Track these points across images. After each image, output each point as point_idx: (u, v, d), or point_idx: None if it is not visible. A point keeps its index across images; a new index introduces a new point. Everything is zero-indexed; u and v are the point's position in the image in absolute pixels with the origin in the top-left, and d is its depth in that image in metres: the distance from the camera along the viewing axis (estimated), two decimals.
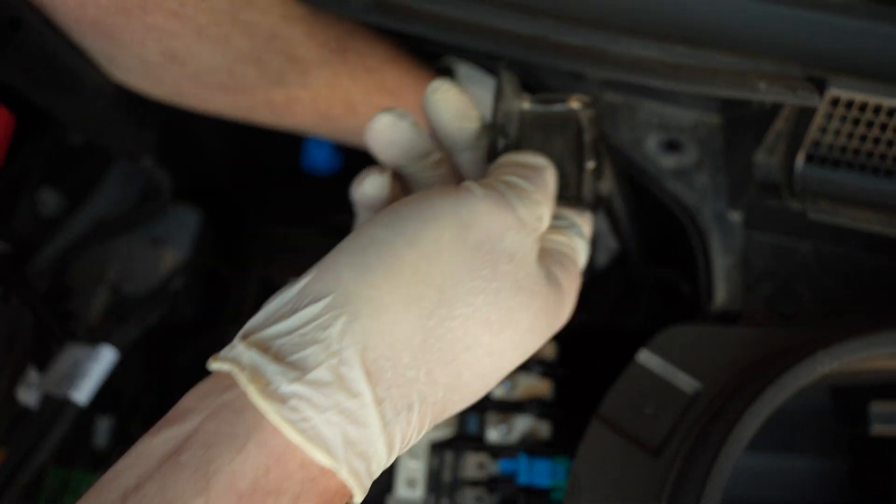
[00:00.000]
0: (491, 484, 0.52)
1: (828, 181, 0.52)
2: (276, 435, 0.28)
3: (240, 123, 0.59)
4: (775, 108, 0.51)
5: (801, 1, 0.54)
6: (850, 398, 0.62)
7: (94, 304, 0.65)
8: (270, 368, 0.28)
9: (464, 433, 0.53)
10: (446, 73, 0.59)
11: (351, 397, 0.28)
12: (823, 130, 0.50)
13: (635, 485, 0.45)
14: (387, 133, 0.38)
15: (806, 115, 0.49)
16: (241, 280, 0.69)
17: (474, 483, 0.52)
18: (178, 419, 0.29)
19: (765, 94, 0.47)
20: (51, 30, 0.50)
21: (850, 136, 0.50)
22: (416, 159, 0.40)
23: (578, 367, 0.56)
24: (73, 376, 0.56)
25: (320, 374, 0.28)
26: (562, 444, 0.53)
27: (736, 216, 0.55)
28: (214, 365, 0.30)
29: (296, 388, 0.28)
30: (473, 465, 0.52)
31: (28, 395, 0.58)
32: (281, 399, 0.28)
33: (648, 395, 0.47)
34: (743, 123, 0.55)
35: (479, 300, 0.31)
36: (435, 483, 0.51)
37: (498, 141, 0.40)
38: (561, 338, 0.56)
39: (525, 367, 0.54)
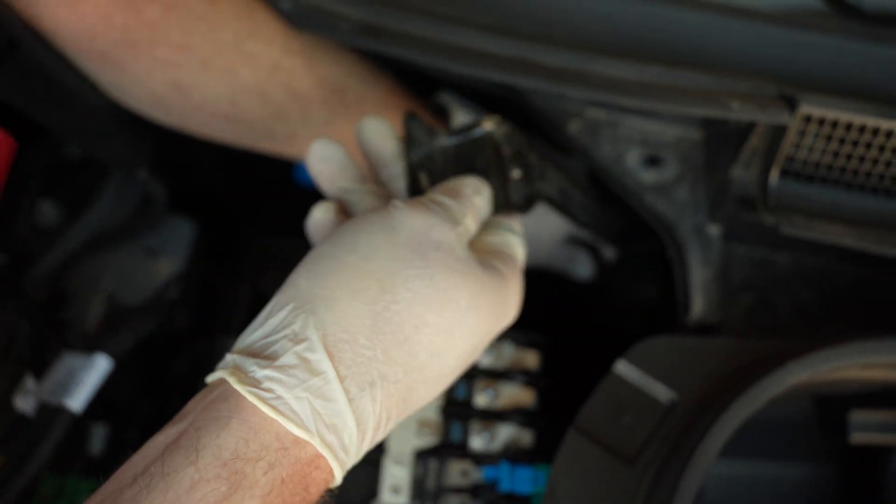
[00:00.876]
0: (474, 491, 0.53)
1: (802, 196, 0.53)
2: (254, 412, 0.32)
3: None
4: (751, 125, 0.52)
5: (776, 19, 0.56)
6: (831, 407, 0.63)
7: (91, 313, 0.67)
8: (248, 362, 0.34)
9: (448, 441, 0.54)
10: (441, 111, 0.61)
11: (315, 375, 0.33)
12: (797, 147, 0.52)
13: (611, 493, 0.46)
14: (319, 156, 0.45)
15: (779, 132, 0.50)
16: (234, 289, 0.70)
17: (458, 490, 0.53)
18: (179, 419, 0.34)
19: (737, 112, 0.49)
20: (47, 50, 0.52)
21: (824, 152, 0.52)
22: (351, 181, 0.45)
23: (563, 377, 0.57)
24: (68, 384, 0.57)
25: (288, 359, 0.34)
26: (544, 452, 0.55)
27: (715, 229, 0.56)
28: (210, 377, 0.35)
29: (268, 372, 0.33)
30: (457, 472, 0.53)
31: (25, 403, 0.60)
32: (255, 383, 0.33)
33: (625, 406, 0.48)
34: (722, 139, 0.56)
35: (416, 284, 0.36)
36: (419, 490, 0.52)
37: (420, 179, 0.46)
38: (545, 348, 0.58)
39: (508, 377, 0.56)
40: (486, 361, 0.56)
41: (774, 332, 0.54)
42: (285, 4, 0.52)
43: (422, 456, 0.53)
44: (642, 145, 0.59)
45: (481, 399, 0.55)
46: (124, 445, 0.64)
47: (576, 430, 0.47)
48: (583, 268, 0.66)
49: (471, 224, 0.41)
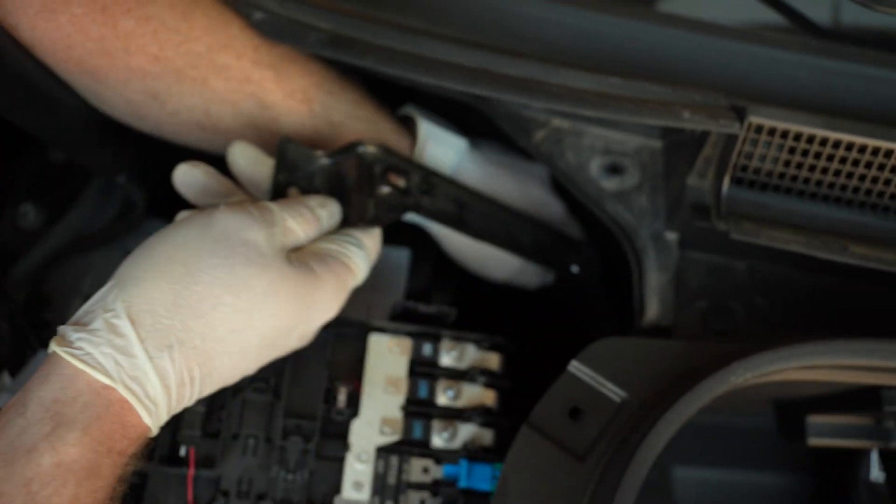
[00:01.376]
0: (434, 487, 0.54)
1: (755, 204, 0.55)
2: (68, 366, 0.40)
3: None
4: (706, 135, 0.54)
5: (733, 33, 0.58)
6: (790, 412, 0.65)
7: (70, 313, 0.68)
8: (68, 330, 0.42)
9: (409, 439, 0.55)
10: (408, 122, 0.63)
11: (119, 337, 0.41)
12: (750, 156, 0.54)
13: (561, 489, 0.47)
14: (182, 178, 0.52)
15: (730, 141, 0.52)
16: None
17: (418, 486, 0.54)
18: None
19: (688, 122, 0.51)
20: (28, 57, 0.54)
21: (776, 161, 0.54)
22: (216, 198, 0.52)
23: (524, 379, 0.58)
24: None
25: (97, 324, 0.41)
26: (504, 451, 0.56)
27: (672, 236, 0.58)
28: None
29: (80, 335, 0.41)
30: (418, 469, 0.55)
31: (1, 400, 0.61)
32: (69, 343, 0.41)
33: (577, 404, 0.50)
34: (679, 148, 0.58)
35: (217, 271, 0.43)
36: (381, 486, 0.54)
37: (290, 195, 0.54)
38: (507, 351, 0.59)
39: (470, 378, 0.57)
40: (449, 362, 0.58)
41: (728, 336, 0.56)
42: (257, 15, 0.54)
43: (383, 453, 0.55)
44: (605, 154, 0.61)
45: (443, 398, 0.56)
46: None
47: (529, 427, 0.49)
48: (538, 276, 0.68)
49: (297, 229, 0.48)
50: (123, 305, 0.41)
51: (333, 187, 0.55)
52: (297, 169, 0.54)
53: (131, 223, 0.70)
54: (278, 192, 0.54)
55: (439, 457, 0.55)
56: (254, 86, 0.56)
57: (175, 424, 0.53)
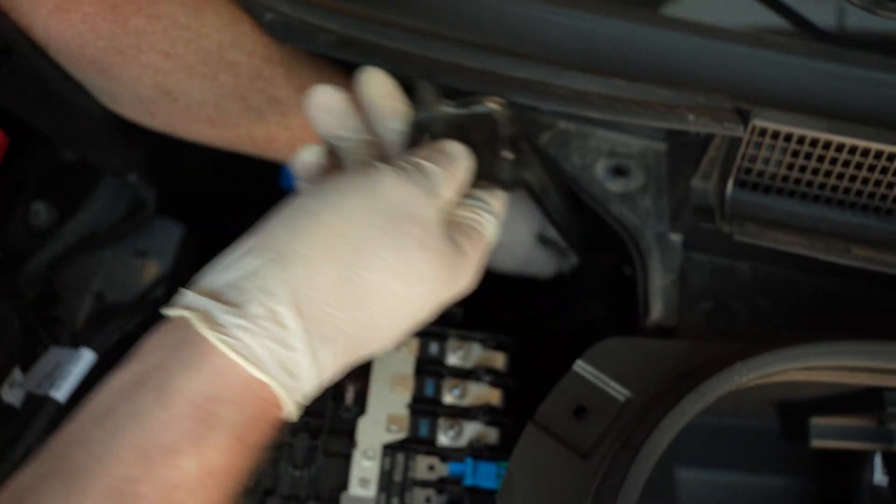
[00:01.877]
0: (440, 485, 0.55)
1: (759, 206, 0.55)
2: (222, 358, 0.34)
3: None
4: (710, 137, 0.55)
5: (738, 37, 0.58)
6: (793, 413, 0.65)
7: (80, 311, 0.69)
8: (217, 308, 0.35)
9: (415, 437, 0.56)
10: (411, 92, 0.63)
11: (281, 327, 0.35)
12: (753, 158, 0.54)
13: (565, 486, 0.48)
14: (323, 99, 0.45)
15: (734, 144, 0.53)
16: None
17: (424, 484, 0.55)
18: (140, 358, 0.35)
19: (692, 124, 0.51)
20: (42, 57, 0.55)
21: (779, 163, 0.54)
22: (348, 131, 0.46)
23: (528, 378, 0.59)
24: (54, 376, 0.59)
25: (256, 310, 0.35)
26: (509, 449, 0.56)
27: (676, 238, 0.59)
28: (171, 311, 0.36)
29: (236, 321, 0.35)
30: (424, 466, 0.55)
31: (12, 395, 0.62)
32: (223, 329, 0.35)
33: (582, 403, 0.50)
34: (684, 150, 0.59)
35: (389, 254, 0.38)
36: (387, 483, 0.54)
37: (422, 140, 0.47)
38: (512, 350, 0.60)
39: (475, 377, 0.58)
40: (455, 361, 0.58)
41: (732, 336, 0.56)
42: (267, 16, 0.55)
43: (390, 450, 0.55)
44: (610, 156, 0.62)
45: (449, 397, 0.57)
46: None
47: (534, 425, 0.49)
48: (548, 265, 0.68)
49: (450, 195, 0.42)
50: (287, 291, 0.36)
51: (456, 140, 0.48)
52: (425, 111, 0.48)
53: (141, 222, 0.71)
54: (415, 137, 0.47)
55: (445, 455, 0.55)
56: (263, 82, 0.57)
57: None
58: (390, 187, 0.40)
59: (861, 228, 0.55)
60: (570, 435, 0.49)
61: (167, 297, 0.70)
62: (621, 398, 0.50)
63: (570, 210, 0.63)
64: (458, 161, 0.44)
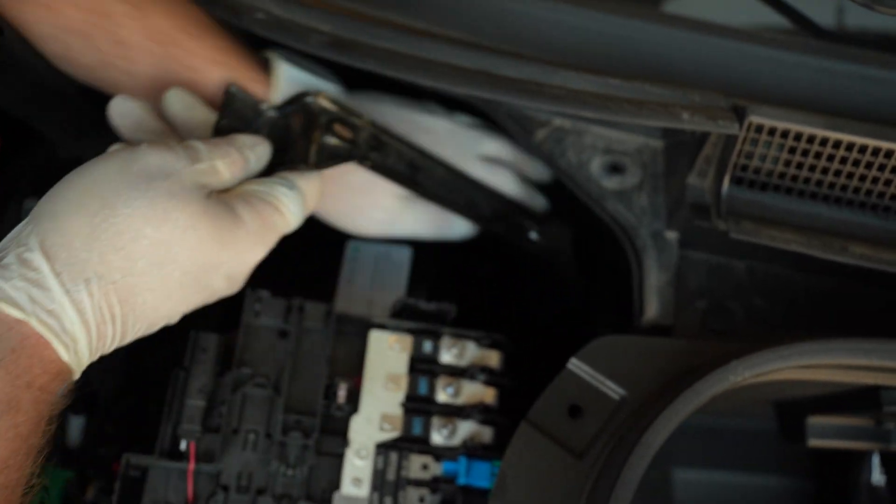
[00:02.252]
0: (433, 484, 0.54)
1: (755, 203, 0.55)
2: None
3: None
4: (706, 135, 0.54)
5: (734, 34, 0.58)
6: (791, 413, 0.65)
7: None
8: None
9: (409, 435, 0.55)
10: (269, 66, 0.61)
11: (31, 270, 0.40)
12: (750, 156, 0.54)
13: (559, 485, 0.47)
14: (118, 109, 0.52)
15: (730, 141, 0.52)
16: None
17: (418, 483, 0.54)
18: None
19: (688, 123, 0.51)
20: (33, 52, 0.54)
21: (776, 161, 0.54)
22: (149, 135, 0.52)
23: (523, 376, 0.59)
24: None
25: (9, 259, 0.40)
26: (503, 448, 0.56)
27: (672, 235, 0.58)
28: None
29: None
30: (417, 465, 0.55)
31: None
32: None
33: (576, 401, 0.50)
34: (680, 148, 0.58)
35: (136, 203, 0.43)
36: (380, 482, 0.54)
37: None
38: (507, 348, 0.59)
39: (470, 375, 0.57)
40: (449, 359, 0.58)
41: (727, 335, 0.56)
42: (257, 15, 0.55)
43: (383, 449, 0.55)
44: (606, 153, 0.61)
45: (443, 395, 0.57)
46: (103, 437, 0.66)
47: (527, 423, 0.49)
48: (432, 227, 0.67)
49: (223, 170, 0.48)
50: (37, 240, 0.41)
51: (279, 138, 0.55)
52: (242, 117, 0.55)
53: None
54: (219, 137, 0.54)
55: (438, 453, 0.55)
56: (109, 21, 0.54)
57: (176, 419, 0.54)
58: (147, 154, 0.45)
59: (858, 226, 0.54)
60: (563, 434, 0.49)
61: None
62: (616, 397, 0.50)
63: (474, 189, 0.65)
64: (242, 145, 0.50)
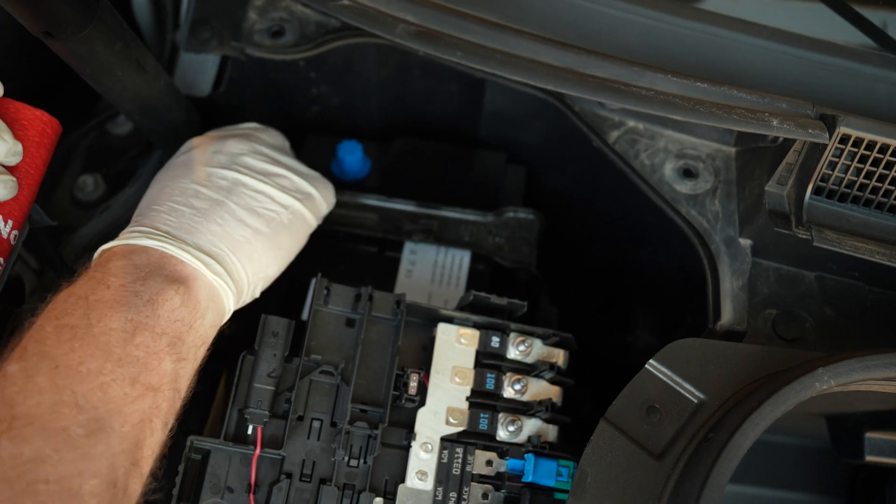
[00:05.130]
0: (498, 481, 0.54)
1: (834, 213, 0.55)
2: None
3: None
4: (788, 142, 0.54)
5: (819, 45, 0.58)
6: (846, 427, 0.65)
7: None
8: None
9: (474, 430, 0.55)
10: None
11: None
12: (833, 166, 0.54)
13: (638, 485, 0.47)
14: None
15: (816, 150, 0.52)
16: None
17: (482, 479, 0.54)
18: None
19: (777, 130, 0.51)
20: (117, 15, 0.53)
21: (859, 172, 0.54)
22: None
23: (588, 377, 0.58)
24: None
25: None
26: (567, 448, 0.56)
27: (746, 242, 0.58)
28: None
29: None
30: (482, 461, 0.54)
31: None
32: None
33: (654, 402, 0.50)
34: (757, 155, 0.58)
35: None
36: (444, 476, 0.53)
37: None
38: (572, 348, 0.59)
39: (537, 373, 0.57)
40: (516, 355, 0.57)
41: (797, 344, 0.56)
42: (344, 1, 0.54)
43: (448, 443, 0.54)
44: (679, 157, 0.61)
45: (509, 391, 0.56)
46: None
47: (606, 422, 0.48)
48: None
49: None
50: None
51: None
52: None
53: None
54: None
55: (504, 450, 0.54)
56: None
57: (244, 402, 0.53)
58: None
59: None
60: (642, 435, 0.48)
61: None
62: (694, 400, 0.50)
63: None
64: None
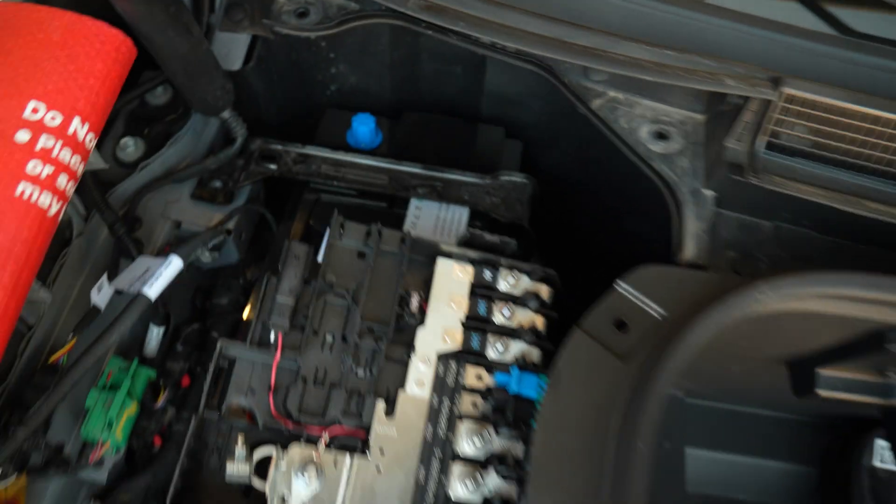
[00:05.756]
0: (486, 392, 0.61)
1: (786, 166, 0.63)
2: None
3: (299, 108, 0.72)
4: (744, 104, 0.63)
5: (773, 24, 0.66)
6: (801, 366, 0.72)
7: (158, 234, 0.76)
8: None
9: (467, 349, 0.62)
10: None
11: None
12: (781, 124, 0.62)
13: (606, 381, 0.54)
14: None
15: (768, 109, 0.61)
16: (286, 227, 0.79)
17: (472, 390, 0.61)
18: None
19: (731, 88, 0.59)
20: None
21: (804, 130, 0.62)
22: None
23: (568, 307, 0.66)
24: (144, 278, 0.66)
25: None
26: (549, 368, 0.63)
27: (709, 193, 0.66)
28: None
29: None
30: (473, 375, 0.61)
31: (99, 297, 0.69)
32: None
33: (622, 317, 0.57)
34: (721, 118, 0.67)
35: None
36: (440, 386, 0.61)
37: None
38: (555, 284, 0.66)
39: (523, 303, 0.64)
40: (506, 287, 0.65)
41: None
42: None
43: (444, 359, 0.62)
44: (653, 122, 0.69)
45: (499, 317, 0.64)
46: (173, 354, 0.73)
47: (580, 329, 0.56)
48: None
49: None
50: None
51: None
52: None
53: (223, 157, 0.78)
54: None
55: (492, 367, 0.62)
56: None
57: (268, 314, 0.61)
58: None
59: (874, 192, 0.62)
60: (610, 341, 0.56)
61: (237, 228, 0.77)
62: (657, 316, 0.57)
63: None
64: None
